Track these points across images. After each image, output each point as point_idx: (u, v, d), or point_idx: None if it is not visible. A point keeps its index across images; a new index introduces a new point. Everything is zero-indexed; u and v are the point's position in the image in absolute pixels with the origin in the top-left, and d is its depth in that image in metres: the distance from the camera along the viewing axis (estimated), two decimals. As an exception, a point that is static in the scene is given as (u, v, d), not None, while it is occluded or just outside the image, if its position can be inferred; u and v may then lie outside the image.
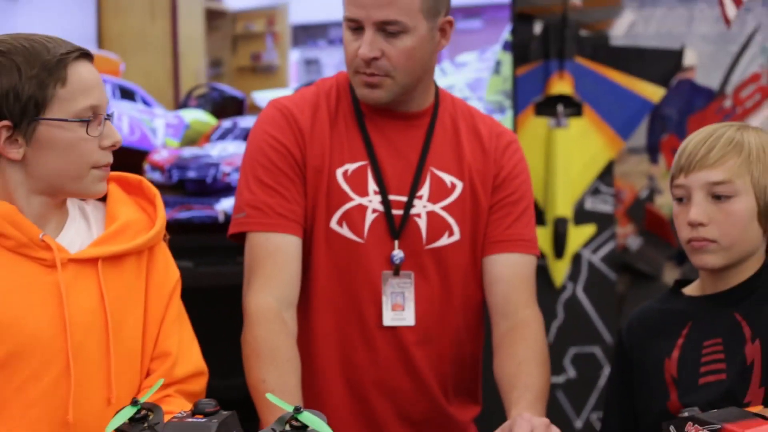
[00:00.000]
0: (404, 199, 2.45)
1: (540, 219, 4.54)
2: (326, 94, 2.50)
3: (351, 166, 2.45)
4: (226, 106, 4.20)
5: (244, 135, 4.09)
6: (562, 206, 4.54)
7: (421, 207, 2.45)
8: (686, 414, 1.90)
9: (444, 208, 2.47)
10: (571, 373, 4.60)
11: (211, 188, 4.08)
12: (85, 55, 2.05)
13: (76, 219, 2.13)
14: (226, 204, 4.05)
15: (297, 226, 2.41)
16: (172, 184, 4.05)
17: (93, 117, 2.03)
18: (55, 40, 2.05)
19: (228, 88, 4.24)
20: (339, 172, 2.44)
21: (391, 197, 2.44)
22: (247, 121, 4.14)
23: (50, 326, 2.00)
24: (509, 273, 2.49)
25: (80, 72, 2.02)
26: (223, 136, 4.16)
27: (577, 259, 4.66)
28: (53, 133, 2.01)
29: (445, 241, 2.47)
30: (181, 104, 4.18)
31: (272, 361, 2.30)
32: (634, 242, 4.65)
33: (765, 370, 2.15)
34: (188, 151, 4.11)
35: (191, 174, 4.08)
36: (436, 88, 2.55)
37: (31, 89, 1.98)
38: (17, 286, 2.00)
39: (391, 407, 2.48)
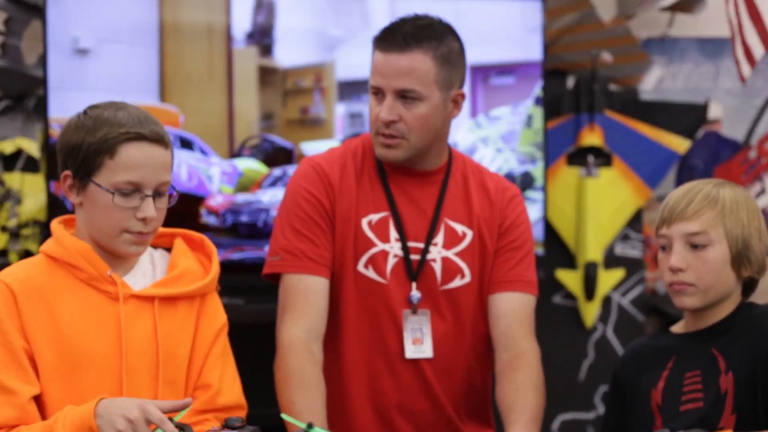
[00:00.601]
0: (421, 245, 2.70)
1: (571, 263, 4.70)
2: (353, 153, 2.76)
3: (375, 216, 2.70)
4: (276, 156, 4.29)
5: (293, 183, 4.27)
6: (593, 251, 4.66)
7: (436, 253, 2.70)
8: (659, 432, 2.17)
9: (457, 254, 2.71)
10: (601, 409, 4.67)
11: (262, 231, 4.19)
12: (146, 138, 2.28)
13: (144, 263, 2.41)
14: (275, 246, 4.23)
15: (325, 269, 2.66)
16: (226, 228, 4.17)
17: (135, 191, 2.28)
18: (138, 117, 2.31)
19: (278, 139, 4.32)
20: (364, 221, 2.69)
21: (410, 244, 2.69)
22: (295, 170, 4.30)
23: (109, 348, 2.29)
24: (510, 309, 2.72)
25: (131, 151, 2.27)
26: (273, 183, 4.26)
27: (607, 301, 4.78)
28: (97, 193, 2.28)
29: (457, 282, 2.71)
30: (235, 153, 4.27)
31: (300, 385, 2.56)
32: (661, 286, 4.74)
33: (737, 398, 2.38)
34: (241, 197, 4.22)
35: (244, 218, 4.21)
36: (449, 149, 2.80)
37: (89, 152, 2.27)
38: (86, 312, 2.30)
39: (412, 428, 2.72)
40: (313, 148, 4.28)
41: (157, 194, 2.31)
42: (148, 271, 2.42)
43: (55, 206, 4.09)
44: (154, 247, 2.47)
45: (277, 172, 4.28)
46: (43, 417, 2.26)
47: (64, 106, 4.05)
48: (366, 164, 2.75)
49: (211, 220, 4.18)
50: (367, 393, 2.71)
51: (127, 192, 2.28)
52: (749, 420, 2.37)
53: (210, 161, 4.21)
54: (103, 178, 2.28)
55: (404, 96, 2.62)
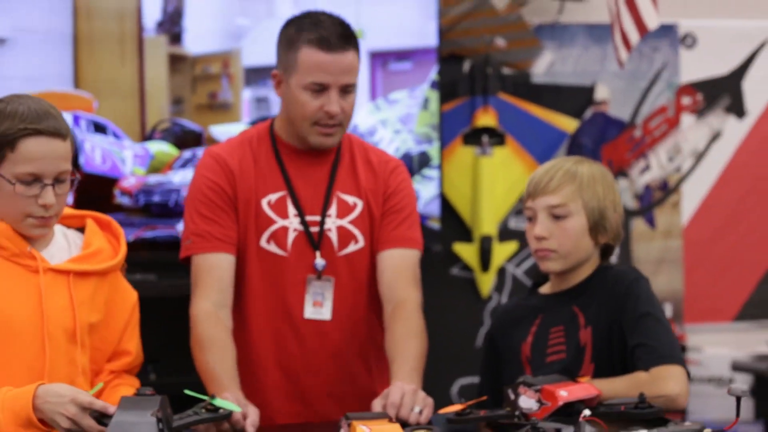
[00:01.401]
0: (318, 218, 2.95)
1: (468, 237, 4.93)
2: (249, 141, 2.97)
3: (273, 196, 2.92)
4: (186, 139, 4.42)
5: (203, 164, 4.43)
6: (488, 225, 4.89)
7: (331, 223, 2.94)
8: (520, 380, 2.44)
9: (350, 222, 2.95)
10: None
11: (173, 211, 4.33)
12: (43, 133, 2.44)
13: (59, 239, 2.61)
14: (186, 224, 4.40)
15: (230, 246, 2.88)
16: (139, 207, 4.30)
17: (35, 180, 2.46)
18: (39, 112, 2.47)
19: (188, 123, 4.45)
20: (264, 201, 2.92)
21: (308, 218, 2.92)
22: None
23: (32, 317, 2.49)
24: (392, 264, 2.94)
25: (29, 145, 2.44)
26: (183, 165, 4.40)
27: (501, 272, 5.03)
28: (1, 183, 2.48)
29: (352, 248, 2.94)
30: (147, 137, 4.38)
31: (211, 348, 2.78)
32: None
33: (595, 350, 2.65)
34: (153, 178, 4.36)
35: (156, 198, 4.34)
36: None
37: None
38: (8, 285, 2.49)
39: (319, 388, 2.93)
40: (221, 131, 4.44)
41: (57, 181, 2.49)
42: (63, 246, 2.62)
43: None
44: (67, 227, 2.68)
45: (187, 154, 4.42)
46: None
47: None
48: (262, 150, 2.97)
49: (124, 200, 4.31)
50: (274, 356, 2.93)
51: (28, 181, 2.46)
52: (606, 368, 2.62)
53: (123, 144, 4.33)
54: (6, 169, 2.46)
55: (344, 89, 2.86)
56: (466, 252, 4.96)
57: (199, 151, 4.38)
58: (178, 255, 4.06)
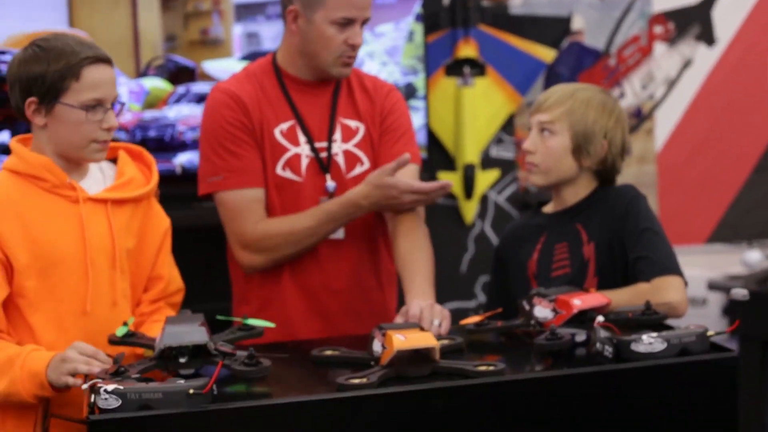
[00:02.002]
0: (325, 144, 3.08)
1: (451, 165, 5.01)
2: (254, 74, 3.10)
3: (284, 125, 3.06)
4: (180, 74, 4.45)
5: (197, 99, 4.39)
6: (470, 154, 4.98)
7: (337, 148, 3.08)
8: (534, 291, 2.60)
9: (354, 146, 3.10)
10: (481, 298, 5.10)
11: (169, 145, 4.39)
12: (101, 60, 2.61)
13: (95, 172, 2.74)
14: (182, 158, 4.38)
15: (261, 180, 3.02)
16: (136, 142, 4.22)
17: (98, 105, 2.60)
18: (85, 43, 2.63)
19: (181, 59, 4.48)
20: (276, 130, 3.05)
21: (316, 144, 3.06)
22: (198, 87, 4.42)
23: (74, 244, 2.63)
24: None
25: (92, 73, 2.58)
26: (178, 100, 4.44)
27: (484, 199, 5.12)
28: (66, 112, 2.60)
29: (358, 170, 3.09)
30: (141, 73, 4.41)
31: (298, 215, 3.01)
32: (530, 184, 5.13)
33: (598, 263, 2.81)
34: (149, 114, 4.39)
35: (152, 133, 4.38)
36: None
37: (54, 79, 2.57)
38: (51, 216, 2.63)
39: (336, 304, 3.08)
40: (213, 66, 4.50)
41: (113, 106, 2.65)
42: (98, 178, 2.75)
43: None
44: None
45: (181, 89, 4.46)
46: (25, 308, 2.60)
47: (-22, 34, 4.23)
48: (268, 83, 3.09)
49: (121, 136, 4.32)
50: (294, 277, 3.07)
51: (92, 107, 2.60)
52: (609, 281, 2.79)
53: (119, 81, 4.31)
54: (70, 98, 2.59)
55: (364, 23, 3.01)
56: (450, 180, 4.98)
57: (193, 87, 4.45)
58: (173, 188, 4.16)
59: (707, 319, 5.11)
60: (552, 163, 2.88)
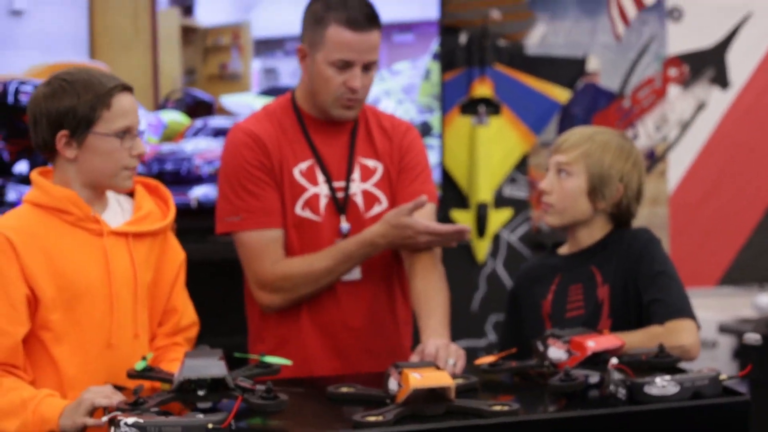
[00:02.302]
0: (344, 184, 3.09)
1: (464, 204, 5.06)
2: (273, 113, 3.11)
3: (303, 165, 3.07)
4: (198, 108, 4.51)
5: (214, 133, 4.46)
6: (484, 192, 5.02)
7: (356, 187, 3.09)
8: (548, 332, 2.62)
9: (373, 185, 3.11)
10: (492, 337, 5.12)
11: (186, 179, 4.43)
12: (127, 89, 2.65)
13: (114, 205, 2.77)
14: (198, 192, 4.43)
15: (280, 220, 3.03)
16: (153, 175, 4.31)
17: (127, 133, 2.64)
18: (107, 74, 2.68)
19: (200, 93, 4.54)
20: (296, 170, 3.06)
21: (335, 183, 3.07)
22: (216, 121, 4.49)
23: (99, 277, 2.65)
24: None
25: (121, 101, 2.63)
26: (195, 134, 4.49)
27: (496, 238, 5.16)
28: (99, 142, 2.63)
29: (377, 209, 3.10)
30: (160, 106, 4.46)
31: (294, 259, 3.02)
32: (545, 224, 5.17)
33: (612, 306, 2.83)
34: (166, 147, 4.44)
35: (168, 166, 4.43)
36: None
37: (85, 110, 2.60)
38: (76, 249, 2.65)
39: (355, 343, 3.09)
40: (231, 101, 4.55)
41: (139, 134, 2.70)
42: (117, 211, 2.78)
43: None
44: (117, 192, 2.83)
45: (198, 123, 4.52)
46: (50, 341, 2.61)
47: (1, 64, 4.26)
48: (287, 122, 3.11)
49: (138, 168, 4.39)
50: (313, 316, 3.08)
51: (122, 134, 2.64)
52: (622, 323, 2.81)
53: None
54: (103, 127, 2.62)
55: (367, 67, 3.01)
56: (463, 218, 5.09)
57: (211, 121, 4.50)
58: (189, 221, 4.17)
59: (718, 361, 5.12)
60: (567, 203, 2.91)
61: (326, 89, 3.02)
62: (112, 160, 2.66)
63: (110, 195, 2.79)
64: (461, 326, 5.00)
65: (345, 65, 2.99)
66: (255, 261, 3.03)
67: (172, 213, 2.84)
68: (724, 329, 5.07)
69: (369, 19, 3.00)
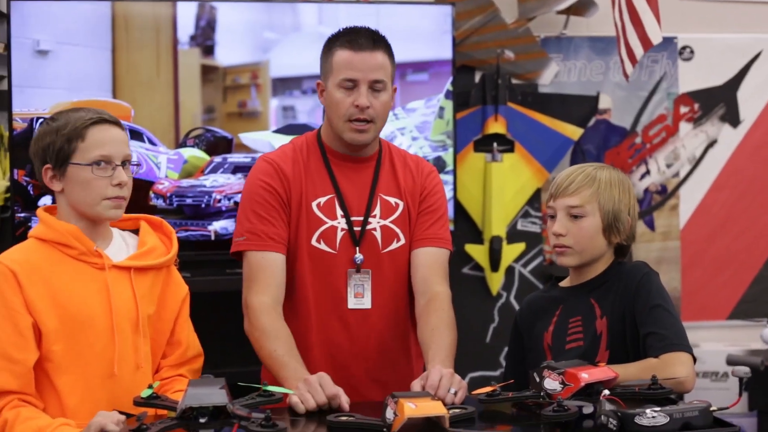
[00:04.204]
0: (362, 218, 3.17)
1: (479, 238, 5.16)
2: (300, 148, 3.20)
3: (322, 199, 3.16)
4: (217, 145, 4.63)
5: (232, 169, 4.58)
6: (497, 227, 5.12)
7: (375, 223, 3.17)
8: (544, 364, 2.71)
9: (392, 222, 3.19)
10: None
11: (205, 212, 4.56)
12: (106, 121, 2.75)
13: (118, 240, 2.88)
14: (217, 225, 4.55)
15: (283, 247, 3.11)
16: (173, 209, 4.52)
17: (106, 162, 2.73)
18: (92, 110, 2.78)
19: (219, 130, 4.65)
20: (314, 204, 3.15)
21: (353, 218, 3.16)
22: (234, 158, 4.61)
23: (100, 309, 2.75)
24: (426, 260, 3.18)
25: (96, 132, 2.73)
26: (215, 170, 4.61)
27: (510, 271, 5.26)
28: (76, 172, 2.74)
29: (395, 245, 3.19)
30: (180, 143, 4.59)
31: (278, 337, 2.99)
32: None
33: (610, 338, 2.90)
34: (186, 182, 4.56)
35: (188, 200, 4.56)
36: (380, 139, 3.27)
37: (62, 143, 2.73)
38: (78, 282, 2.75)
39: (364, 372, 3.16)
40: (250, 138, 4.67)
41: (125, 165, 2.77)
42: (122, 246, 2.89)
43: (18, 191, 4.50)
44: (122, 229, 2.95)
45: (217, 159, 4.64)
46: (52, 371, 2.71)
47: (27, 102, 4.44)
48: (312, 156, 3.20)
49: (159, 202, 4.54)
50: (323, 345, 3.16)
51: (100, 163, 2.73)
52: (620, 355, 2.87)
53: (158, 150, 4.56)
54: (79, 157, 2.73)
55: (374, 87, 3.09)
56: (477, 252, 5.20)
57: (230, 157, 4.62)
58: (209, 254, 4.26)
59: (728, 393, 5.18)
60: (585, 243, 2.99)
61: (337, 113, 3.11)
62: (91, 189, 2.75)
63: (115, 231, 2.90)
64: (476, 357, 5.20)
65: (351, 85, 3.08)
66: (246, 282, 3.11)
67: (174, 248, 2.94)
68: (732, 362, 5.13)
69: (371, 40, 3.10)
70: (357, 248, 3.17)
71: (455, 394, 2.74)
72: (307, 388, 2.73)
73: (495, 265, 5.17)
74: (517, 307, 5.21)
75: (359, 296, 3.17)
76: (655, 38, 4.62)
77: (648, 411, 2.41)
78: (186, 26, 4.63)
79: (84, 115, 2.76)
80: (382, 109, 3.13)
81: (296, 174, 3.17)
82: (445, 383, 2.75)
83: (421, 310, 3.13)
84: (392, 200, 3.23)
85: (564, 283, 3.12)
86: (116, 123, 2.80)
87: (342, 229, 3.16)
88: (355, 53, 3.08)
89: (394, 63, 3.18)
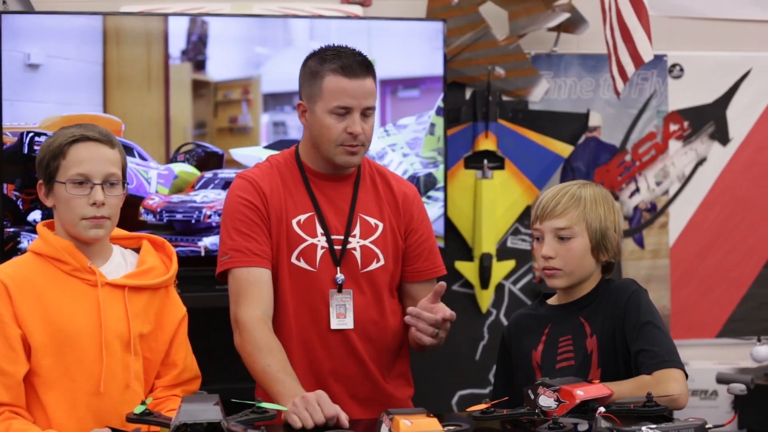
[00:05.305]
0: (341, 237, 3.17)
1: (469, 255, 5.16)
2: (277, 165, 3.20)
3: (302, 216, 3.15)
4: (208, 160, 4.64)
5: (223, 184, 4.58)
6: (487, 244, 5.12)
7: (355, 243, 3.17)
8: (539, 381, 2.70)
9: (372, 242, 3.19)
10: None
11: (195, 228, 4.57)
12: (88, 139, 2.75)
13: (117, 257, 2.89)
14: (207, 241, 4.55)
15: (268, 262, 3.10)
16: (163, 224, 4.52)
17: (85, 181, 2.74)
18: (83, 127, 2.79)
19: (210, 146, 4.66)
20: (294, 221, 3.14)
21: (333, 237, 3.16)
22: (225, 173, 4.61)
23: (90, 326, 2.75)
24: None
25: (76, 150, 2.75)
26: (205, 185, 4.61)
27: (500, 288, 5.26)
28: (59, 190, 2.77)
29: (374, 265, 3.18)
30: (171, 159, 4.59)
31: (270, 352, 2.97)
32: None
33: (601, 356, 2.90)
34: (176, 197, 4.56)
35: (178, 216, 4.56)
36: None
37: (49, 160, 2.76)
38: (70, 297, 2.76)
39: (344, 390, 3.15)
40: (241, 153, 4.66)
41: (108, 184, 2.77)
42: (120, 264, 2.89)
43: (7, 206, 4.48)
44: (125, 247, 2.95)
45: (208, 174, 4.64)
46: (39, 386, 2.71)
47: (17, 116, 4.45)
48: (290, 174, 3.20)
49: (149, 218, 4.54)
50: (305, 363, 3.14)
51: (78, 182, 2.74)
52: (611, 373, 2.87)
53: (148, 165, 4.56)
54: (61, 175, 2.76)
55: (365, 113, 3.10)
56: (467, 269, 5.20)
57: (220, 173, 4.62)
58: (199, 269, 4.25)
59: (717, 411, 5.19)
60: (575, 264, 2.98)
61: (328, 138, 3.10)
62: (70, 208, 2.77)
63: (116, 249, 2.90)
64: (465, 374, 5.19)
65: (344, 112, 3.08)
66: (234, 298, 3.09)
67: (173, 269, 2.93)
68: (722, 380, 5.13)
69: (363, 67, 3.10)
70: (338, 268, 3.17)
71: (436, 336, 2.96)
72: (305, 406, 2.72)
73: (485, 282, 5.17)
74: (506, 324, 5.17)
75: (341, 316, 3.17)
76: (647, 55, 4.63)
77: (644, 428, 2.41)
78: (177, 41, 4.64)
79: (69, 132, 2.77)
80: (370, 132, 3.14)
81: (275, 191, 3.17)
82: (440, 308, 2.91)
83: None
84: (372, 221, 3.23)
85: (552, 301, 3.12)
86: (104, 140, 2.79)
87: (322, 248, 3.16)
88: (349, 81, 3.08)
89: (376, 82, 3.19)
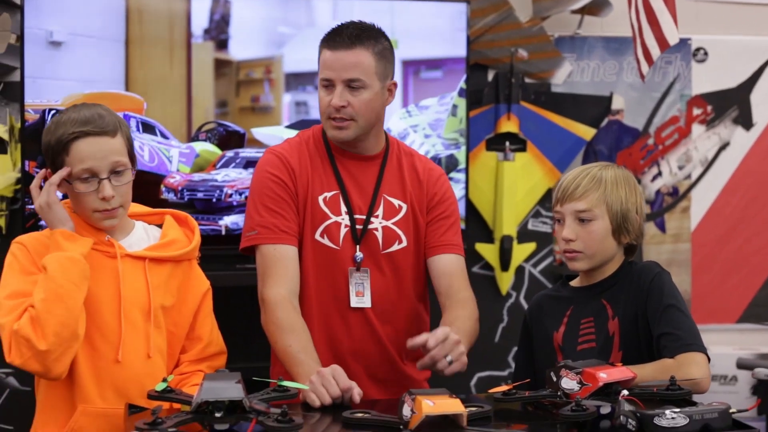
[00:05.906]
0: (364, 217, 3.17)
1: (489, 237, 5.15)
2: (306, 141, 3.22)
3: (328, 194, 3.16)
4: (229, 139, 4.62)
5: (245, 163, 4.57)
6: (508, 226, 5.10)
7: (377, 223, 3.18)
8: (561, 363, 2.69)
9: (394, 224, 3.19)
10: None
11: (216, 207, 4.55)
12: (89, 134, 2.73)
13: (139, 232, 2.91)
14: (227, 220, 4.53)
15: (295, 239, 3.11)
16: (184, 203, 4.50)
17: (91, 177, 2.74)
18: (81, 118, 2.75)
19: (231, 125, 4.63)
20: (320, 198, 3.16)
21: (356, 216, 3.16)
22: (246, 152, 4.59)
23: (109, 297, 2.78)
24: (449, 269, 3.20)
25: (79, 147, 2.74)
26: (226, 164, 4.60)
27: (520, 271, 5.24)
28: (67, 185, 2.78)
29: (396, 247, 3.19)
30: (192, 137, 4.56)
31: (292, 331, 2.99)
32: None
33: (622, 338, 2.90)
34: (197, 176, 4.55)
35: (199, 195, 4.54)
36: (386, 135, 3.27)
37: (54, 154, 2.77)
38: (91, 269, 2.75)
39: (362, 369, 3.16)
40: (262, 133, 4.65)
41: (114, 174, 2.77)
42: (143, 238, 2.91)
43: (28, 183, 4.43)
44: (149, 223, 2.97)
45: (230, 153, 4.62)
46: None
47: (39, 93, 4.42)
48: (318, 150, 3.21)
49: (170, 196, 4.53)
50: (325, 340, 3.15)
51: (85, 178, 2.75)
52: (633, 356, 2.88)
53: (170, 144, 4.55)
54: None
55: (351, 85, 3.07)
56: (488, 251, 5.18)
57: (242, 152, 4.61)
58: (221, 248, 4.24)
59: (737, 396, 5.17)
60: (596, 247, 2.98)
61: (320, 110, 3.14)
62: (80, 202, 2.79)
63: (139, 224, 2.93)
64: (484, 357, 5.16)
65: (328, 83, 3.09)
66: (261, 276, 3.10)
67: (195, 242, 2.94)
68: (742, 365, 5.12)
69: (350, 39, 3.09)
70: (357, 246, 3.16)
71: (450, 363, 2.74)
72: (321, 381, 2.72)
73: (505, 264, 5.16)
74: (526, 306, 5.14)
75: (360, 295, 3.18)
76: (672, 39, 4.60)
77: (667, 412, 2.41)
78: (200, 20, 4.62)
79: (70, 126, 2.75)
80: (364, 107, 3.11)
81: (303, 167, 3.18)
82: (447, 346, 2.80)
83: (447, 308, 3.16)
84: (396, 202, 3.23)
85: (574, 283, 3.12)
86: (103, 132, 2.77)
87: (345, 226, 3.16)
88: (331, 53, 3.09)
89: (387, 59, 3.16)
